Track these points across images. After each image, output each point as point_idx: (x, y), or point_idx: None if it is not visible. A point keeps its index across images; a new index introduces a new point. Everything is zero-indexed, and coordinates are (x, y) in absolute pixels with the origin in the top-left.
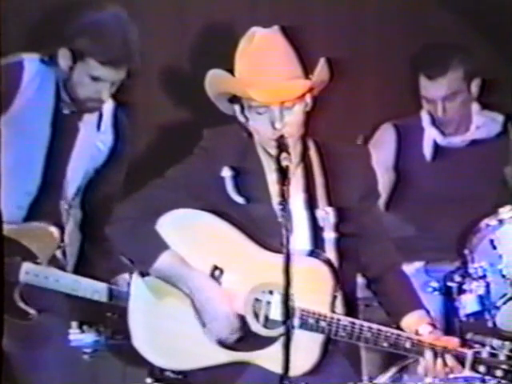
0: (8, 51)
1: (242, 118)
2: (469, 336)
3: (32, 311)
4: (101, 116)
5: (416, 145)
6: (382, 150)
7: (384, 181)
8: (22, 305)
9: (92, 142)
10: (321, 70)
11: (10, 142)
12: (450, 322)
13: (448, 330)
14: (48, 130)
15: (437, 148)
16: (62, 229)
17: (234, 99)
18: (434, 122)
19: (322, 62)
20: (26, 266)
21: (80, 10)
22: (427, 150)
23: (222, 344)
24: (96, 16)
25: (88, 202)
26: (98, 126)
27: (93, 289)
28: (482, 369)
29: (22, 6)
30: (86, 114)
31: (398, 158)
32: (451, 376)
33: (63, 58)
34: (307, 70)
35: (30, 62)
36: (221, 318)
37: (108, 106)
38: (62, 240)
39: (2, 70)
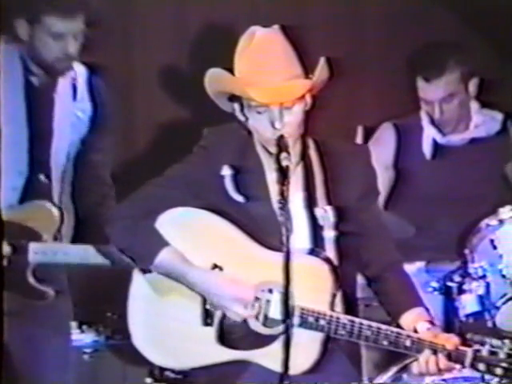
0: None
1: (241, 117)
2: (468, 336)
3: (49, 290)
4: (75, 86)
5: (416, 144)
6: (382, 149)
7: (383, 180)
8: (37, 285)
9: (70, 112)
10: (321, 70)
11: None
12: (449, 322)
13: (448, 330)
14: (24, 107)
15: (436, 147)
16: (58, 206)
17: (233, 98)
18: (433, 121)
19: (322, 61)
20: (33, 246)
21: None
22: (427, 149)
23: (225, 340)
24: None
25: (79, 173)
26: (74, 96)
27: (103, 252)
28: (481, 367)
29: None
30: (59, 80)
31: (398, 156)
32: (450, 376)
33: (20, 27)
34: (307, 70)
35: None
36: (229, 305)
37: (81, 74)
38: (62, 214)
39: None
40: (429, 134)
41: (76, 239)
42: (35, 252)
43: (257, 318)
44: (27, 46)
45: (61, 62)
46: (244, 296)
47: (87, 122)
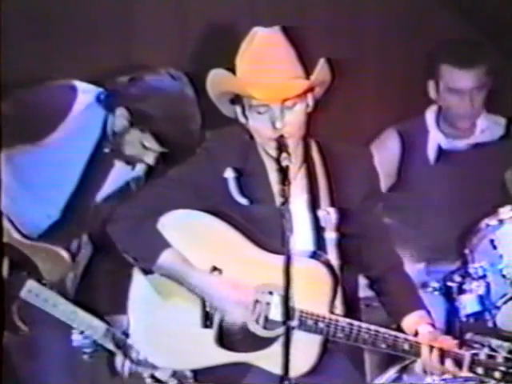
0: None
1: (243, 119)
2: (468, 336)
3: (24, 328)
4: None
5: (420, 148)
6: (386, 156)
7: (385, 184)
8: (17, 320)
9: (124, 180)
10: (320, 70)
11: (45, 164)
12: (450, 322)
13: (448, 330)
14: (84, 161)
15: (441, 151)
16: (73, 256)
17: (235, 100)
18: (439, 123)
19: (321, 62)
20: (30, 283)
21: (148, 73)
22: (431, 154)
23: (224, 342)
24: (163, 88)
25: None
26: (133, 166)
27: (88, 324)
28: (479, 370)
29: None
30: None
31: (402, 163)
32: (450, 376)
33: (121, 116)
34: (308, 70)
35: (86, 92)
36: (231, 308)
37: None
38: (73, 268)
39: (53, 91)
40: (434, 138)
41: (78, 295)
42: (29, 290)
43: (257, 320)
44: (116, 129)
45: (135, 159)
46: (244, 299)
47: (133, 189)
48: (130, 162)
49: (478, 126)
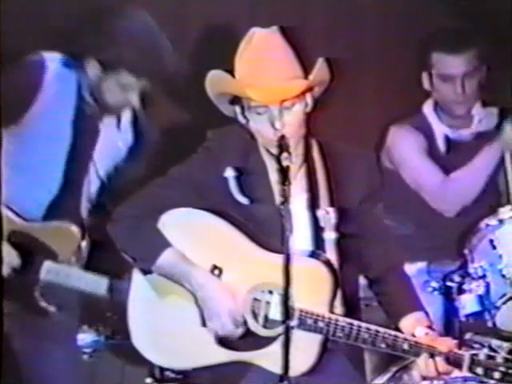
0: (26, 49)
1: (242, 120)
2: (468, 336)
3: (52, 309)
4: (119, 116)
5: (430, 142)
6: (405, 156)
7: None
8: (42, 303)
9: (113, 141)
10: (319, 70)
11: (31, 141)
12: (449, 322)
13: (448, 331)
14: (69, 130)
15: (449, 142)
16: (83, 228)
17: (234, 100)
18: (439, 116)
19: (320, 61)
20: (48, 264)
21: (106, 16)
22: (441, 145)
23: (224, 341)
24: (124, 24)
25: (108, 200)
26: (118, 125)
27: (117, 288)
28: (479, 371)
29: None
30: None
31: (423, 158)
32: (449, 376)
33: (92, 67)
34: (307, 71)
35: (52, 61)
36: (223, 315)
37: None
38: (83, 239)
39: (23, 68)
40: (440, 129)
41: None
42: (48, 271)
43: (256, 319)
44: (92, 82)
45: (119, 108)
46: (237, 309)
47: (125, 152)
48: (115, 111)
49: (475, 116)
